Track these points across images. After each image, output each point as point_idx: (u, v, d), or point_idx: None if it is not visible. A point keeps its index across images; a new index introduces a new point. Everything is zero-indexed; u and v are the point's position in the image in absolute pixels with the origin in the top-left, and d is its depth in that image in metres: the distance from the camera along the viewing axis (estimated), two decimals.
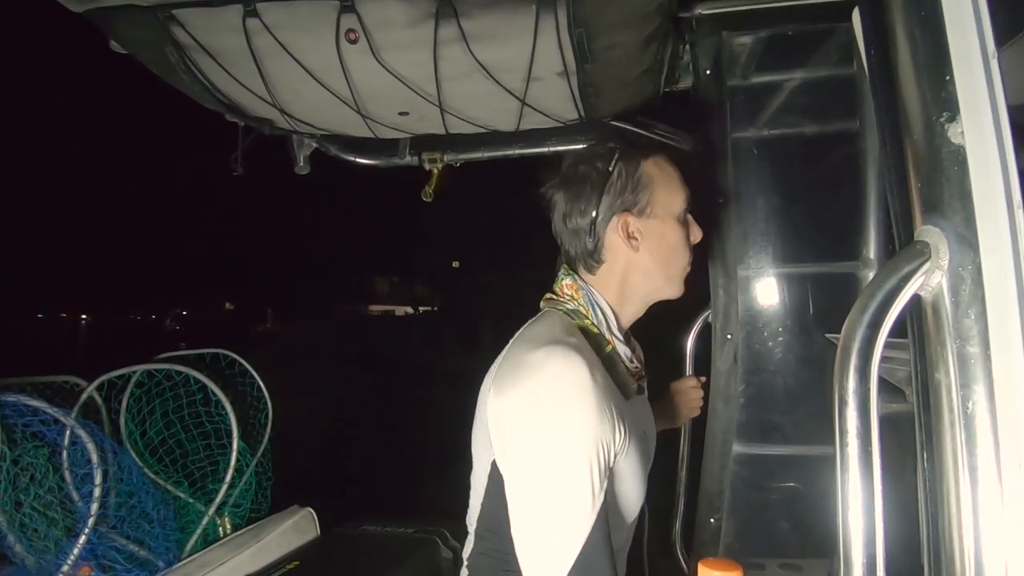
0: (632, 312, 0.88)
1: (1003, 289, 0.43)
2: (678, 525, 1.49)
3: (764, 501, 1.37)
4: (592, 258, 0.85)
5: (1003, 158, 0.45)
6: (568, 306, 0.83)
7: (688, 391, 1.42)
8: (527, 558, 0.69)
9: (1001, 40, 0.49)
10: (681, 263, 0.87)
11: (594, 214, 0.83)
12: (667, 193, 0.85)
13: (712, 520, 1.36)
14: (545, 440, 0.69)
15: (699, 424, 1.39)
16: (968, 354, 0.44)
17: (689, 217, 0.89)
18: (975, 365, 0.44)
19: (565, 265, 0.88)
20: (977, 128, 0.46)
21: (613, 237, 0.84)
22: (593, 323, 0.82)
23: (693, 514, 1.40)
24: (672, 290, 0.88)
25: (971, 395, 0.44)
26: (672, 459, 1.49)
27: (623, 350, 0.83)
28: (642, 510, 0.90)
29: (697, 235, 0.90)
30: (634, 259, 0.84)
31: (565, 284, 0.86)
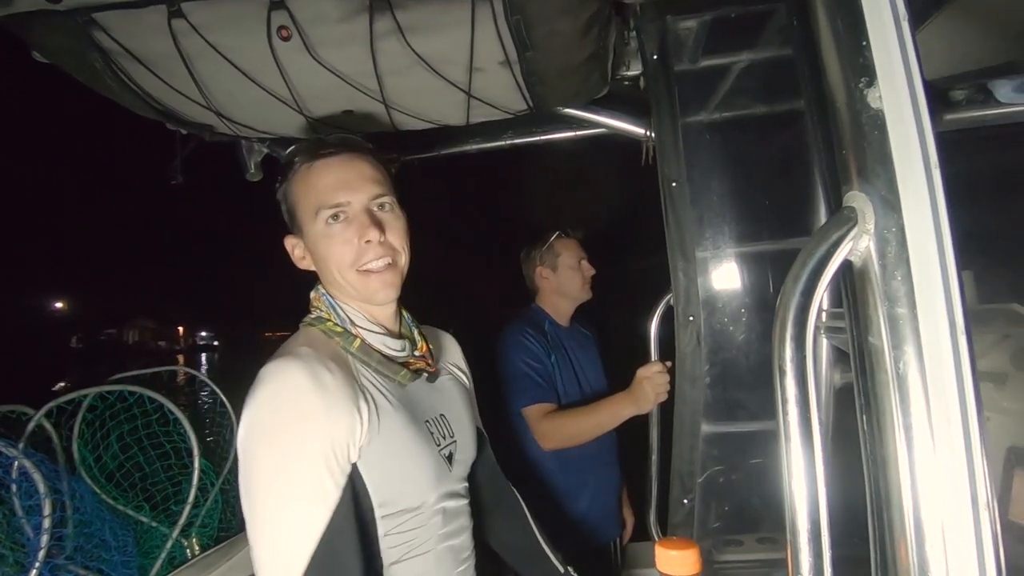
0: (373, 306, 0.89)
1: (925, 249, 0.44)
2: (653, 509, 1.50)
3: (736, 478, 1.38)
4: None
5: (918, 120, 0.45)
6: (312, 316, 0.89)
7: (654, 376, 1.43)
8: (259, 559, 0.69)
9: (919, 20, 0.50)
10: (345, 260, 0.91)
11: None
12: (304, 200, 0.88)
13: (685, 501, 1.37)
14: (263, 449, 0.71)
15: (668, 408, 1.40)
16: (897, 315, 0.45)
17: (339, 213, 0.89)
18: (904, 326, 0.44)
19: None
20: (894, 93, 0.46)
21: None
22: (336, 323, 0.86)
23: (668, 497, 1.41)
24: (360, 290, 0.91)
25: (902, 356, 0.44)
26: (642, 445, 1.50)
27: (381, 341, 0.86)
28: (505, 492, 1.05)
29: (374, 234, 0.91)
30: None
31: (311, 297, 0.91)
